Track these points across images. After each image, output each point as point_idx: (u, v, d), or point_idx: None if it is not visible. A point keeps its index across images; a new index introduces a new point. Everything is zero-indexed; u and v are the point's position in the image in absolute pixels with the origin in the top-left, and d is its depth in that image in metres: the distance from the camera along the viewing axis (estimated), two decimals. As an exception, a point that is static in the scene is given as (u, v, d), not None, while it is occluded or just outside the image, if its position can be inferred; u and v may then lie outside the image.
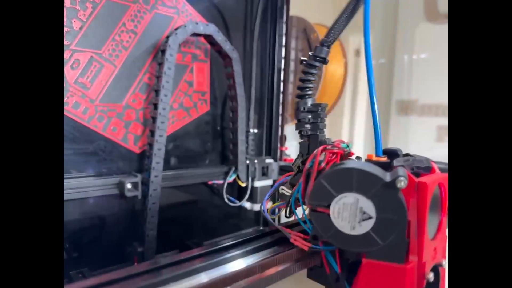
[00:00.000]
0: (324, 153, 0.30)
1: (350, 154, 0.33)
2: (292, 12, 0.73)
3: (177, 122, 0.63)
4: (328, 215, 0.28)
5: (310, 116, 0.33)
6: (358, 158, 0.33)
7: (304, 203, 0.31)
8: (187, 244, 0.63)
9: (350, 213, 0.27)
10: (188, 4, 0.62)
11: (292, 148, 0.84)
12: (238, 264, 0.32)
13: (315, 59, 0.33)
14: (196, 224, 0.68)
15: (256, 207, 0.71)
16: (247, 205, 0.71)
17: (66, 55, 0.49)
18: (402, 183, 0.24)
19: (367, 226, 0.26)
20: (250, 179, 0.69)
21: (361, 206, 0.26)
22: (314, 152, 0.30)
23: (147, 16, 0.57)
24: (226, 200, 0.67)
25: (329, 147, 0.31)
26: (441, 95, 1.42)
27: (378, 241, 0.26)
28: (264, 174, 0.72)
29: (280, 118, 0.75)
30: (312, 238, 0.31)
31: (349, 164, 0.27)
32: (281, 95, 0.74)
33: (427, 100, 1.47)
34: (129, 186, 0.53)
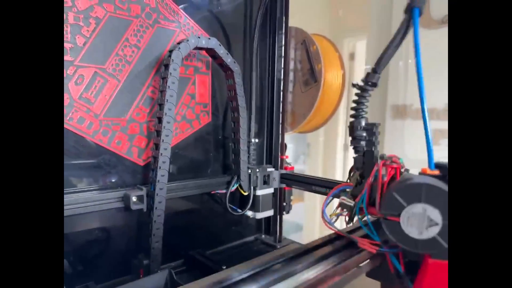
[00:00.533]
0: (384, 167, 0.35)
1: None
2: (291, 23, 0.74)
3: (180, 134, 0.64)
4: (398, 222, 0.32)
5: (365, 134, 0.39)
6: (406, 170, 0.37)
7: (367, 212, 0.35)
8: (191, 255, 0.64)
9: (419, 221, 0.31)
10: (190, 18, 0.63)
11: (289, 150, 0.85)
12: (321, 268, 0.34)
13: (367, 84, 0.38)
14: (200, 233, 0.69)
15: (259, 215, 0.72)
16: (250, 213, 0.72)
17: (70, 71, 0.50)
18: None
19: (434, 231, 0.31)
20: (252, 188, 0.70)
21: (428, 214, 0.31)
22: (376, 166, 0.35)
23: (150, 31, 0.58)
24: (229, 210, 0.67)
25: (388, 162, 0.35)
26: (435, 100, 1.44)
27: (444, 244, 0.31)
28: (266, 182, 0.73)
29: (280, 127, 0.76)
30: (383, 242, 0.36)
31: (417, 179, 0.32)
32: (281, 105, 0.75)
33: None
34: (134, 199, 0.53)
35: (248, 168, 0.69)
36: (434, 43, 1.47)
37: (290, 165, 0.76)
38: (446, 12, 1.38)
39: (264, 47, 0.74)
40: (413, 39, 0.35)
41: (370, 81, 0.38)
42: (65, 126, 0.50)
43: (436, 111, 1.47)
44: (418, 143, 1.40)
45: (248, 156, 0.69)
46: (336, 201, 0.42)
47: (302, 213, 2.55)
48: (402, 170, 0.36)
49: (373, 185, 0.35)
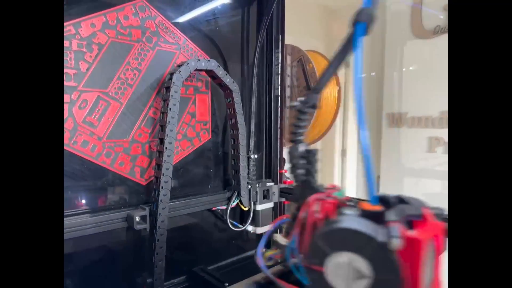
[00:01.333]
0: (318, 203, 0.30)
1: (345, 199, 0.32)
2: (287, 41, 0.76)
3: (181, 152, 0.65)
4: (323, 273, 0.27)
5: (302, 162, 0.34)
6: (352, 201, 0.32)
7: (299, 255, 0.31)
8: (193, 271, 0.65)
9: (345, 272, 0.26)
10: (189, 39, 0.64)
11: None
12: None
13: (306, 106, 0.33)
14: (201, 249, 0.70)
15: (259, 230, 0.73)
16: (250, 228, 0.73)
17: (74, 96, 0.51)
18: (395, 244, 0.24)
19: (362, 285, 0.26)
20: (252, 203, 0.71)
21: (356, 265, 0.26)
22: (308, 201, 0.31)
23: (150, 54, 0.59)
24: (230, 225, 0.69)
25: (322, 196, 0.31)
26: (430, 108, 1.47)
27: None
28: (265, 197, 0.74)
29: (278, 141, 0.78)
30: None
31: (343, 222, 0.27)
32: (278, 120, 0.77)
33: (416, 112, 1.52)
34: (137, 219, 0.54)
35: (248, 183, 0.70)
36: (427, 53, 1.50)
37: (289, 179, 0.78)
38: (438, 23, 1.42)
39: (262, 65, 0.76)
40: (353, 60, 0.31)
41: (310, 102, 0.33)
42: (69, 149, 0.51)
43: (431, 119, 1.50)
44: (414, 151, 1.42)
45: (248, 172, 0.71)
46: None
47: None
48: (345, 202, 0.31)
49: (304, 223, 0.30)
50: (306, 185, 0.34)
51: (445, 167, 1.43)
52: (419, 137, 1.50)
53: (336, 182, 2.38)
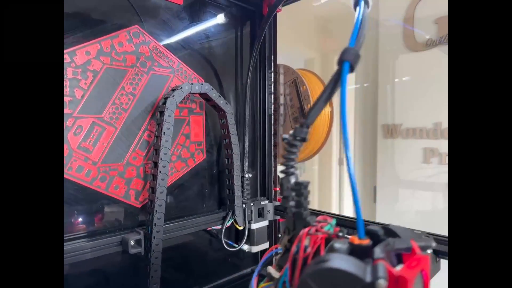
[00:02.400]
0: (308, 237, 0.31)
1: (335, 230, 0.34)
2: (284, 47, 0.78)
3: (176, 173, 0.66)
4: None
5: (293, 194, 0.34)
6: (342, 232, 0.34)
7: None
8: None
9: None
10: (183, 63, 0.66)
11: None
12: None
13: (296, 139, 0.34)
14: (197, 268, 0.70)
15: (254, 248, 0.73)
16: (245, 247, 0.73)
17: (69, 123, 0.52)
18: (382, 285, 0.25)
19: None
20: (246, 222, 0.72)
21: None
22: (299, 235, 0.31)
23: (145, 78, 0.61)
24: (225, 245, 0.69)
25: (313, 230, 0.32)
26: (424, 119, 1.49)
27: None
28: (260, 215, 0.75)
29: (272, 159, 0.79)
30: None
31: (332, 261, 0.28)
32: (272, 138, 0.78)
33: (411, 124, 1.54)
34: (132, 243, 0.55)
35: (243, 202, 0.71)
36: (420, 65, 1.52)
37: (283, 196, 0.78)
38: (429, 36, 1.44)
39: (255, 85, 0.78)
40: (339, 94, 0.32)
41: (299, 136, 0.34)
42: (64, 175, 0.52)
43: (425, 130, 1.52)
44: (409, 163, 1.44)
45: (242, 191, 0.71)
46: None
47: None
48: (336, 235, 0.32)
49: (295, 258, 0.31)
50: (297, 217, 0.34)
51: (440, 178, 1.44)
52: (413, 148, 1.52)
53: (334, 190, 2.39)
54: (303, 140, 0.34)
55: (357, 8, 0.37)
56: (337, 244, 0.31)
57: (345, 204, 2.31)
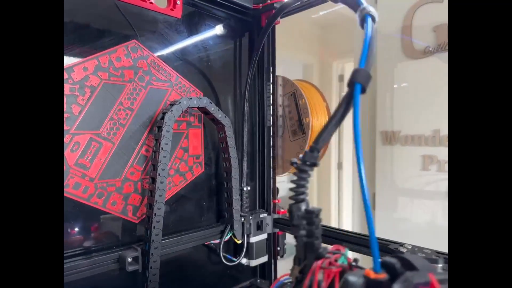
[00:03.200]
0: (322, 271, 0.30)
1: (348, 261, 0.32)
2: (283, 50, 0.78)
3: (174, 187, 0.65)
4: None
5: (304, 222, 0.33)
6: (355, 261, 0.32)
7: None
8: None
9: None
10: (181, 76, 0.65)
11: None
12: None
13: (306, 164, 0.33)
14: (196, 282, 0.69)
15: (253, 262, 0.73)
16: (244, 261, 0.73)
17: (66, 139, 0.52)
18: None
19: None
20: (245, 236, 0.71)
21: None
22: (312, 268, 0.30)
23: (143, 93, 0.60)
24: (223, 260, 0.68)
25: (326, 263, 0.31)
26: (422, 126, 1.49)
27: None
28: (259, 227, 0.74)
29: (271, 171, 0.78)
30: None
31: None
32: (271, 150, 0.78)
33: (409, 131, 1.54)
34: (130, 260, 0.54)
35: (241, 216, 0.70)
36: (418, 72, 1.53)
37: (282, 209, 0.78)
38: (427, 44, 1.45)
39: (254, 97, 0.77)
40: (352, 117, 0.31)
41: (309, 161, 0.33)
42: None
43: (424, 138, 1.52)
44: (408, 170, 1.43)
45: (241, 204, 0.71)
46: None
47: None
48: (350, 266, 0.31)
49: None
50: (309, 248, 0.33)
51: (439, 185, 1.44)
52: (412, 155, 1.52)
53: (333, 194, 2.39)
54: (314, 165, 0.33)
55: (365, 26, 0.37)
56: (352, 278, 0.30)
57: (344, 207, 2.31)
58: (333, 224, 2.26)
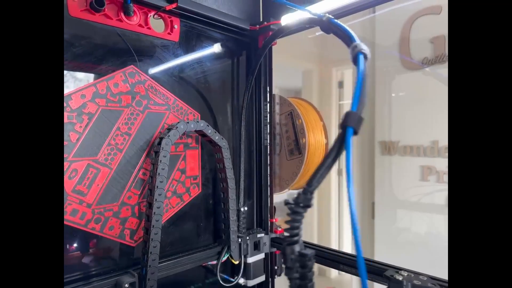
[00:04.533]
0: None
1: None
2: (282, 57, 0.78)
3: (171, 209, 0.66)
4: None
5: (298, 265, 0.33)
6: None
7: None
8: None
9: None
10: (179, 99, 0.66)
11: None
12: None
13: (299, 206, 0.33)
14: (192, 304, 0.70)
15: (250, 282, 0.73)
16: (241, 281, 0.73)
17: (64, 167, 0.52)
18: None
19: None
20: (242, 256, 0.71)
21: None
22: None
23: (140, 117, 0.61)
24: (220, 281, 0.69)
25: None
26: (421, 137, 1.50)
27: None
28: (256, 247, 0.74)
29: (268, 189, 0.79)
30: None
31: None
32: (268, 169, 0.78)
33: (408, 141, 1.55)
34: (127, 285, 0.54)
35: (238, 237, 0.71)
36: (416, 84, 1.53)
37: (280, 228, 0.78)
38: (425, 55, 1.46)
39: (251, 115, 0.78)
40: (345, 160, 0.31)
41: (302, 203, 0.33)
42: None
43: (422, 148, 1.52)
44: (407, 180, 1.43)
45: (238, 225, 0.71)
46: None
47: (314, 231, 2.54)
48: None
49: None
50: None
51: (438, 196, 1.45)
52: (411, 166, 1.52)
53: (333, 200, 2.38)
54: (307, 207, 0.34)
55: (357, 64, 0.37)
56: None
57: (344, 214, 2.30)
58: (333, 231, 2.26)
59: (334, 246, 2.26)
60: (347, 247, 2.27)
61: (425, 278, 0.54)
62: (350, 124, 0.31)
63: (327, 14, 0.47)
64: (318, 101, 2.33)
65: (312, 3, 0.66)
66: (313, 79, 2.43)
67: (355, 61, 0.37)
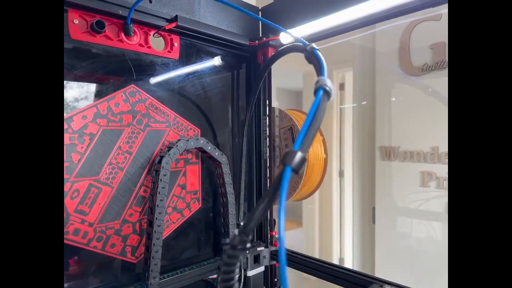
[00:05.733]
0: None
1: None
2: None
3: (171, 225, 0.67)
4: None
5: None
6: None
7: None
8: None
9: None
10: (179, 115, 0.67)
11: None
12: None
13: (236, 249, 0.31)
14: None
15: (250, 295, 0.74)
16: (241, 293, 0.74)
17: (66, 187, 0.53)
18: None
19: None
20: (242, 270, 0.72)
21: None
22: None
23: (141, 135, 0.62)
24: (221, 294, 0.69)
25: None
26: (421, 143, 1.50)
27: None
28: (256, 260, 0.75)
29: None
30: None
31: None
32: (268, 181, 0.79)
33: (408, 147, 1.55)
34: (128, 303, 0.55)
35: (238, 250, 0.71)
36: (416, 89, 1.53)
37: (279, 240, 0.79)
38: (426, 61, 1.46)
39: (251, 129, 0.79)
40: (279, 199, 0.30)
41: (238, 245, 0.32)
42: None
43: (422, 154, 1.52)
44: (407, 186, 1.43)
45: (238, 239, 0.72)
46: None
47: (301, 240, 2.56)
48: None
49: None
50: None
51: (438, 202, 1.45)
52: (411, 171, 1.53)
53: (335, 202, 2.39)
54: (244, 249, 0.32)
55: (315, 98, 0.36)
56: None
57: (346, 216, 2.31)
58: (335, 232, 2.27)
59: (335, 247, 2.27)
60: (348, 247, 2.27)
61: None
62: (288, 163, 0.30)
63: (311, 44, 0.46)
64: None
65: (315, 18, 0.66)
66: (313, 81, 2.43)
67: (315, 94, 0.36)
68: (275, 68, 0.77)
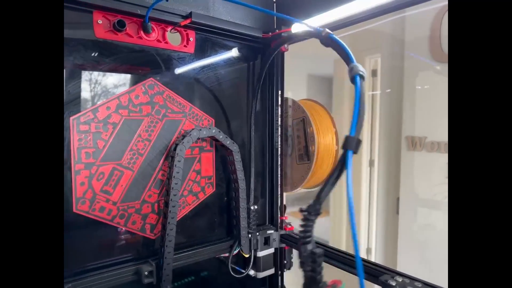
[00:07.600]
0: None
1: None
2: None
3: (187, 206, 0.73)
4: None
5: (310, 260, 0.39)
6: None
7: None
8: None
9: None
10: (194, 106, 0.72)
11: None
12: None
13: (311, 214, 0.40)
14: (207, 290, 0.77)
15: (260, 274, 0.79)
16: (252, 272, 0.79)
17: (93, 170, 0.60)
18: None
19: None
20: (252, 250, 0.77)
21: None
22: None
23: (159, 124, 0.67)
24: (231, 272, 0.75)
25: None
26: (445, 132, 1.45)
27: None
28: (266, 242, 0.80)
29: (279, 189, 0.83)
30: None
31: None
32: (279, 170, 0.82)
33: (436, 137, 1.51)
34: (146, 273, 0.63)
35: (249, 233, 0.77)
36: (446, 77, 1.47)
37: (290, 225, 0.83)
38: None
39: (264, 118, 0.82)
40: (346, 179, 0.36)
41: (313, 212, 0.39)
42: (89, 215, 0.60)
43: (443, 144, 1.48)
44: (433, 177, 1.41)
45: (248, 222, 0.77)
46: None
47: (328, 228, 2.57)
48: None
49: None
50: (312, 281, 0.40)
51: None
52: (438, 163, 1.48)
53: (364, 192, 2.37)
54: (317, 215, 0.40)
55: (355, 87, 0.40)
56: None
57: (374, 206, 2.28)
58: (363, 222, 2.26)
59: (363, 237, 2.26)
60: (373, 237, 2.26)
61: (420, 285, 0.56)
62: (349, 147, 0.36)
63: (326, 29, 0.49)
64: (350, 91, 2.30)
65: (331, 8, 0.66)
66: (344, 68, 2.38)
67: (353, 82, 0.40)
68: (305, 55, 0.78)
